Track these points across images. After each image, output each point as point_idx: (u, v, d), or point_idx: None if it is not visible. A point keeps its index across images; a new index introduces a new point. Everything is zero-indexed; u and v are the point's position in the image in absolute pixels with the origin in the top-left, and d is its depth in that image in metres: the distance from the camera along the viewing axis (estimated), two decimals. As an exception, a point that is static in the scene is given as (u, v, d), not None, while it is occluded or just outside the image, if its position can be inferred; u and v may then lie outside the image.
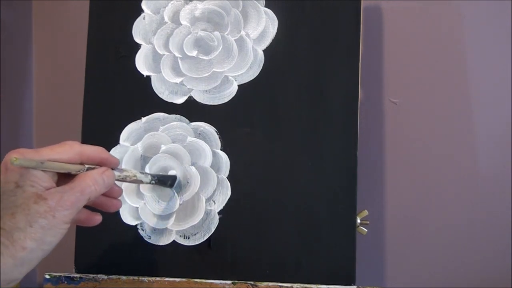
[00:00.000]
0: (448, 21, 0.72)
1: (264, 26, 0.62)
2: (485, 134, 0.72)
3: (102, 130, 0.63)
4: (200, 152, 0.61)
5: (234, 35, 0.63)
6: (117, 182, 0.50)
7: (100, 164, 0.47)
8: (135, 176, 0.51)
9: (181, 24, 0.64)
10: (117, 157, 0.61)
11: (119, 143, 0.62)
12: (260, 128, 0.61)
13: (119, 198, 0.51)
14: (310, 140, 0.60)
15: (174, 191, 0.60)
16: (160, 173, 0.60)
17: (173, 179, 0.60)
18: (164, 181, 0.59)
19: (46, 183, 0.42)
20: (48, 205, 0.41)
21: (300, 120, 0.60)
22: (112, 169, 0.48)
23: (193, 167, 0.61)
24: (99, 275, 0.59)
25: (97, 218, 0.49)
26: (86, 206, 0.49)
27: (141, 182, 0.53)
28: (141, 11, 0.64)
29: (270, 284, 0.57)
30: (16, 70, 0.86)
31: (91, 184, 0.44)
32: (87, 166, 0.46)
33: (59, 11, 0.85)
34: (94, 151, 0.47)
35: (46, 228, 0.41)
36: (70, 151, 0.45)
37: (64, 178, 0.45)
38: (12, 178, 0.41)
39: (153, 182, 0.55)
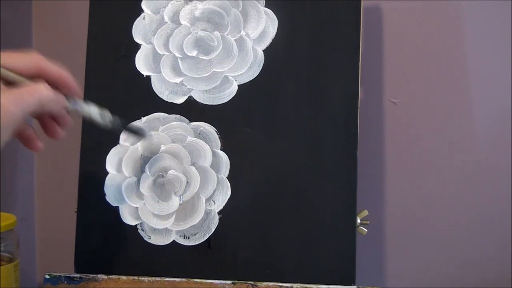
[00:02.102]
0: (448, 21, 0.72)
1: (264, 26, 0.62)
2: (485, 134, 0.72)
3: (102, 130, 0.62)
4: (200, 152, 0.61)
5: (234, 35, 0.63)
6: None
7: (58, 87, 0.44)
8: (89, 115, 0.48)
9: (181, 24, 0.64)
10: (116, 157, 0.61)
11: (119, 143, 0.62)
12: (260, 128, 0.61)
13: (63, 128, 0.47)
14: (310, 140, 0.60)
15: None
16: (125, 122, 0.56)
17: (141, 130, 0.56)
18: (131, 130, 0.55)
19: None
20: None
21: (300, 120, 0.60)
22: (67, 98, 0.45)
23: (193, 167, 0.61)
24: (99, 275, 0.59)
25: (39, 145, 0.46)
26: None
27: (96, 122, 0.50)
28: (141, 11, 0.64)
29: (270, 284, 0.57)
30: (16, 70, 0.86)
31: (43, 87, 0.41)
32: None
33: (59, 11, 0.85)
34: (56, 70, 0.43)
35: None
36: (27, 60, 0.41)
37: None
38: None
39: (111, 126, 0.52)
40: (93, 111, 0.49)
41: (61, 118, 0.47)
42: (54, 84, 0.43)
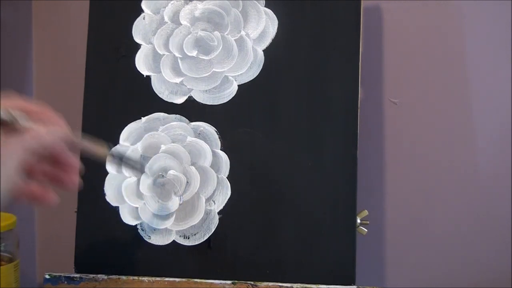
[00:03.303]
0: (448, 21, 0.72)
1: (264, 26, 0.62)
2: (485, 134, 0.72)
3: (102, 130, 0.63)
4: (200, 152, 0.61)
5: (234, 35, 0.63)
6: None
7: (44, 123, 0.43)
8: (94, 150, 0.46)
9: (181, 24, 0.64)
10: (117, 157, 0.61)
11: (119, 143, 0.62)
12: (260, 128, 0.61)
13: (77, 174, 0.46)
14: (310, 140, 0.60)
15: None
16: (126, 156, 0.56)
17: (141, 163, 0.56)
18: (132, 164, 0.55)
19: None
20: None
21: (300, 120, 0.60)
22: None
23: (193, 167, 0.61)
24: (99, 275, 0.59)
25: (52, 197, 0.44)
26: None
27: (99, 155, 0.47)
28: (141, 11, 0.64)
29: (270, 284, 0.57)
30: (16, 70, 0.86)
31: (42, 131, 0.41)
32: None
33: (59, 11, 0.85)
34: (38, 108, 0.43)
35: None
36: (10, 102, 0.42)
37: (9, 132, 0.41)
38: None
39: (114, 158, 0.51)
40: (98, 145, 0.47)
41: (69, 162, 0.45)
42: (39, 121, 0.43)
